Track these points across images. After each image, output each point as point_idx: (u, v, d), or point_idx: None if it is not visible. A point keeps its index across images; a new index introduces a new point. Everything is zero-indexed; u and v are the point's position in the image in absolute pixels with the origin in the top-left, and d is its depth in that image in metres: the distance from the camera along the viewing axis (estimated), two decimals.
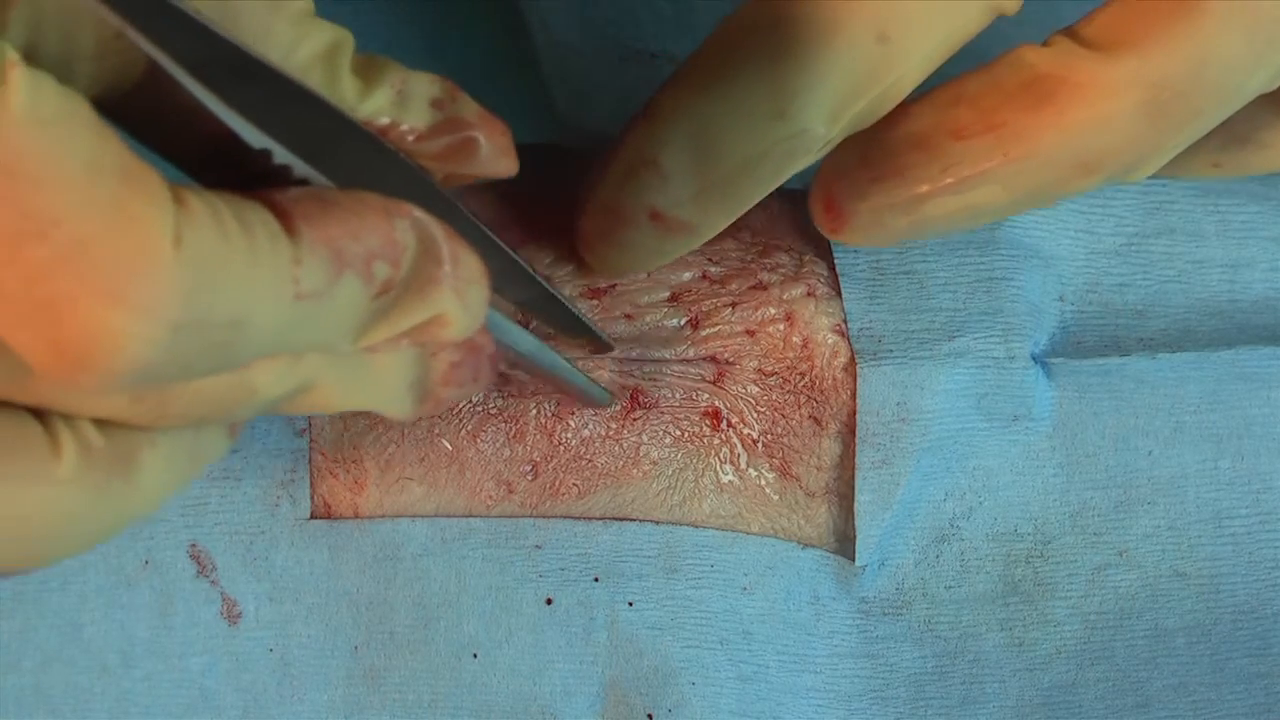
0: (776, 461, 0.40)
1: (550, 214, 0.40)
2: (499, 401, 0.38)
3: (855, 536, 0.40)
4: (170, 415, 0.27)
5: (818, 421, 0.40)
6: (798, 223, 0.42)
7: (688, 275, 0.40)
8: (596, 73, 0.44)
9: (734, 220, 0.36)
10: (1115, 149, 0.34)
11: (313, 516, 0.38)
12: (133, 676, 0.37)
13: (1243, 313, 0.43)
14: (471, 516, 0.38)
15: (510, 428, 0.38)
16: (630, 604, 0.39)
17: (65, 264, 0.23)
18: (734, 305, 0.40)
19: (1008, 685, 0.41)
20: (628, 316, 0.40)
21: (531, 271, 0.34)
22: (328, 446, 0.38)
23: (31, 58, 0.24)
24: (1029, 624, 0.41)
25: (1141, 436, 0.42)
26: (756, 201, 0.36)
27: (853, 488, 0.40)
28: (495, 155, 0.32)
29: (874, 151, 0.35)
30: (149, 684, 0.37)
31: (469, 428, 0.38)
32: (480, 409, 0.38)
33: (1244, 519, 0.42)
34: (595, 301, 0.39)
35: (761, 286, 0.41)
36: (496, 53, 0.42)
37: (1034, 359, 0.41)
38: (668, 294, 0.40)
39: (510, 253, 0.33)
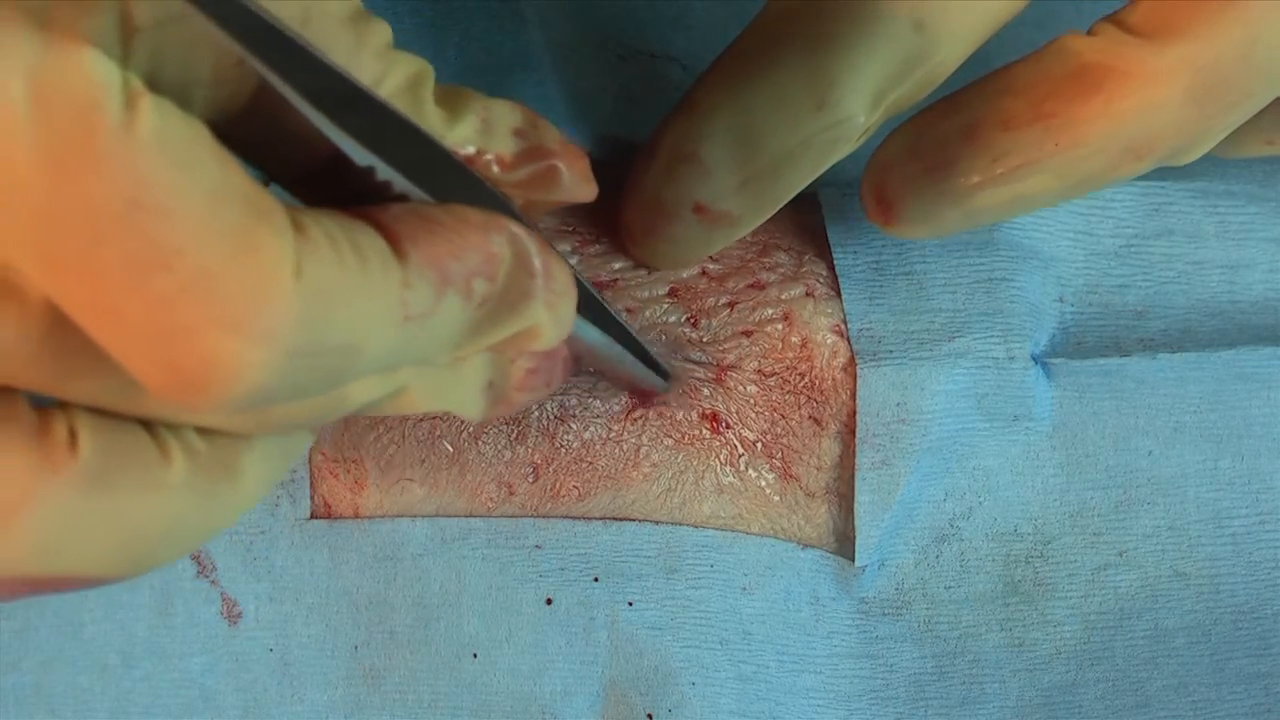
0: (776, 462, 0.40)
1: (550, 212, 0.40)
2: None
3: (855, 537, 0.40)
4: (268, 425, 0.28)
5: (817, 422, 0.40)
6: (798, 222, 0.42)
7: (687, 272, 0.40)
8: (596, 73, 0.44)
9: (779, 209, 0.36)
10: (1165, 134, 0.34)
11: (313, 516, 0.38)
12: (133, 676, 0.37)
13: (1243, 313, 0.43)
14: (472, 517, 0.38)
15: (512, 429, 0.38)
16: (630, 604, 0.39)
17: (189, 293, 0.23)
18: (732, 304, 0.40)
19: (1008, 685, 0.41)
20: (628, 311, 0.40)
21: (604, 303, 0.34)
22: (328, 446, 0.38)
23: (152, 86, 0.24)
24: (1029, 624, 0.41)
25: (1141, 436, 0.42)
26: (800, 190, 0.36)
27: (853, 488, 0.40)
28: (576, 182, 0.33)
29: (924, 144, 0.36)
30: (149, 684, 0.37)
31: (470, 429, 0.38)
32: None
33: (1244, 519, 0.42)
34: None
35: (759, 286, 0.41)
36: (496, 53, 0.42)
37: (1034, 359, 0.41)
38: (667, 289, 0.40)
39: (587, 284, 0.33)
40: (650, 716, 0.39)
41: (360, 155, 0.27)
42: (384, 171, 0.28)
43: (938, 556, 0.41)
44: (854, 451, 0.40)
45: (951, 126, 0.35)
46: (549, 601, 0.38)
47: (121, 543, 0.27)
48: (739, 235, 0.37)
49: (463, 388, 0.30)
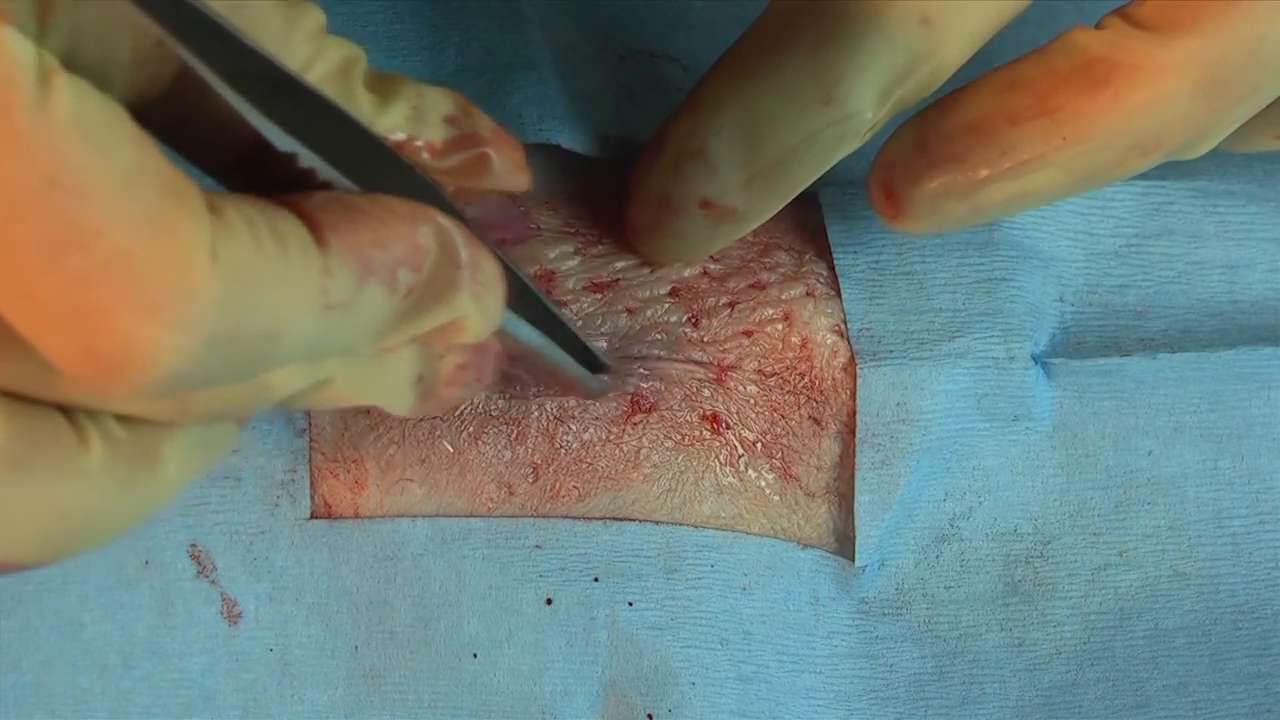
0: (776, 462, 0.40)
1: (552, 213, 0.40)
2: (500, 404, 0.38)
3: (855, 537, 0.40)
4: (189, 414, 0.28)
5: (817, 422, 0.40)
6: (798, 222, 0.42)
7: (688, 271, 0.40)
8: (596, 73, 0.44)
9: (785, 205, 0.36)
10: (1172, 129, 0.34)
11: (313, 516, 0.38)
12: (133, 676, 0.37)
13: (1243, 313, 0.43)
14: (472, 517, 0.38)
15: (512, 430, 0.38)
16: (630, 604, 0.39)
17: (104, 274, 0.23)
18: (732, 304, 0.40)
19: (1008, 685, 0.41)
20: (629, 311, 0.40)
21: (536, 291, 0.34)
22: (328, 446, 0.38)
23: (69, 66, 0.24)
24: (1029, 624, 0.41)
25: (1141, 436, 0.42)
26: (805, 186, 0.36)
27: (853, 488, 0.40)
28: (508, 171, 0.33)
29: (931, 139, 0.36)
30: (149, 684, 0.37)
31: (470, 429, 0.38)
32: (482, 411, 0.38)
33: (1244, 519, 0.42)
34: (598, 296, 0.40)
35: (760, 285, 0.41)
36: (496, 52, 0.42)
37: (1034, 359, 0.41)
38: (668, 289, 0.40)
39: (516, 271, 0.33)
40: (650, 716, 0.39)
41: (282, 141, 0.27)
42: (307, 158, 0.27)
43: (938, 556, 0.41)
44: (854, 451, 0.40)
45: (959, 121, 0.35)
46: (549, 601, 0.38)
47: (38, 529, 0.27)
48: (744, 231, 0.37)
49: (390, 381, 0.30)
